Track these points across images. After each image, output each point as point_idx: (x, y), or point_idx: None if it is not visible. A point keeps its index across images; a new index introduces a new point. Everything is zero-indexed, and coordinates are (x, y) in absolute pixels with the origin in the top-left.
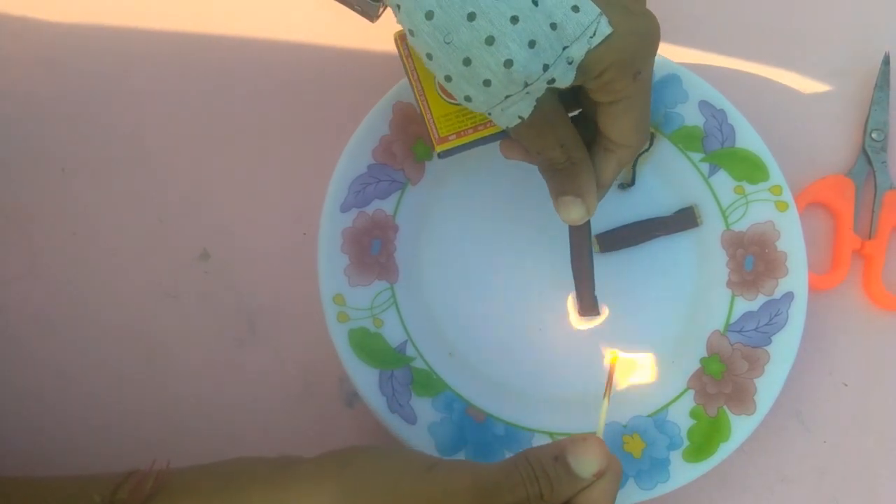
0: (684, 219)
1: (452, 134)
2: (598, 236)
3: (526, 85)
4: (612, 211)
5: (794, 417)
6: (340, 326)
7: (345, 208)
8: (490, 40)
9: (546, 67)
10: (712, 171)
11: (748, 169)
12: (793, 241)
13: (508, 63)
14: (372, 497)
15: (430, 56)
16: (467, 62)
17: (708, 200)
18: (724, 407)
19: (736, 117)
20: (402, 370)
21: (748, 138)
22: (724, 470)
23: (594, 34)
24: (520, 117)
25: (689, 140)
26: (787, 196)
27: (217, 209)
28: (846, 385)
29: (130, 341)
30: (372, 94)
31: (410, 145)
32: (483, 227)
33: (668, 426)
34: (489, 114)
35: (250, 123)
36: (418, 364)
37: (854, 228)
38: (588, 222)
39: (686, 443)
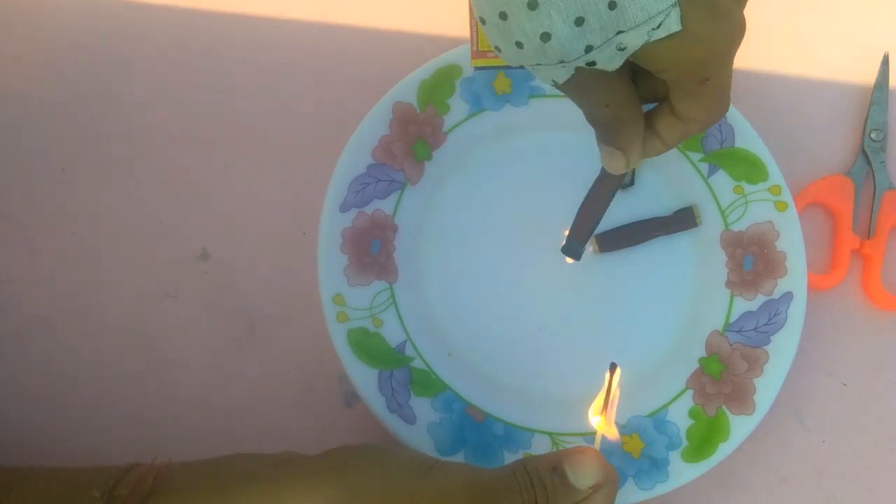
0: (683, 219)
1: (491, 52)
2: (598, 236)
3: (561, 62)
4: (612, 211)
5: (794, 417)
6: (340, 326)
7: (344, 208)
8: (533, 4)
9: (589, 49)
10: (711, 171)
11: (747, 169)
12: (792, 240)
13: (545, 36)
14: (369, 496)
15: None
16: (503, 16)
17: (707, 200)
18: (723, 407)
19: (735, 117)
20: (402, 370)
21: (747, 138)
22: (723, 470)
23: (658, 26)
24: (553, 81)
25: (688, 140)
26: (787, 196)
27: (217, 209)
28: (845, 385)
29: (130, 341)
30: (372, 94)
31: (410, 145)
32: (482, 227)
33: (667, 426)
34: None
35: (250, 123)
36: (417, 364)
37: (853, 228)
38: (621, 179)
39: (685, 443)
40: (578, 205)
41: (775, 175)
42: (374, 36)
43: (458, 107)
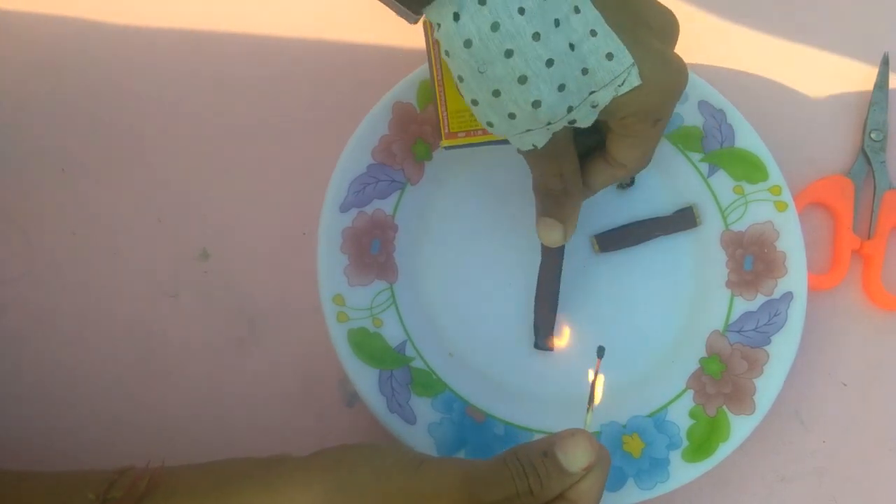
0: (683, 219)
1: (462, 132)
2: (598, 236)
3: (549, 124)
4: (612, 211)
5: (794, 417)
6: (340, 326)
7: (344, 208)
8: (523, 79)
9: (570, 109)
10: (711, 171)
11: (747, 169)
12: (792, 240)
13: (537, 104)
14: (362, 494)
15: (461, 79)
16: (496, 94)
17: (707, 200)
18: (724, 407)
19: (735, 117)
20: (402, 370)
21: (747, 138)
22: (723, 470)
23: (623, 83)
24: (534, 145)
25: (688, 140)
26: (787, 196)
27: (217, 209)
28: (845, 385)
29: (130, 341)
30: (372, 94)
31: (410, 145)
32: (482, 227)
33: (668, 426)
34: (506, 137)
35: (250, 123)
36: (418, 364)
37: (853, 228)
38: (562, 253)
39: (685, 443)
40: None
41: (775, 175)
42: (374, 36)
43: None
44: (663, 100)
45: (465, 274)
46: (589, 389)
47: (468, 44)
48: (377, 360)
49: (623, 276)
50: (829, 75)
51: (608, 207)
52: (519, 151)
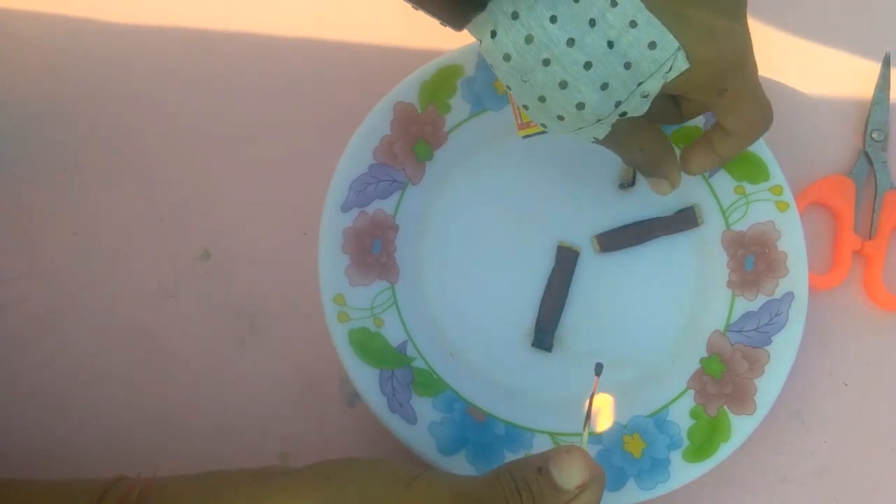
0: (685, 219)
1: (533, 122)
2: (598, 236)
3: (598, 121)
4: (613, 211)
5: (795, 417)
6: (341, 326)
7: (346, 208)
8: (563, 84)
9: (618, 104)
10: (713, 172)
11: (749, 169)
12: (793, 240)
13: (581, 105)
14: None
15: (509, 87)
16: (542, 99)
17: (708, 200)
18: (725, 407)
19: None
20: (403, 370)
21: None
22: (724, 470)
23: (670, 69)
24: (595, 138)
25: (689, 140)
26: (788, 196)
27: (218, 209)
28: (846, 385)
29: (131, 341)
30: (373, 93)
31: (411, 145)
32: (484, 227)
33: (669, 426)
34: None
35: (251, 123)
36: (419, 364)
37: (854, 228)
38: (575, 261)
39: (686, 443)
40: (577, 207)
41: (776, 175)
42: (375, 36)
43: (459, 107)
44: (719, 72)
45: (466, 274)
46: (586, 406)
47: (507, 58)
48: (378, 359)
49: (624, 275)
50: (830, 75)
51: (609, 207)
52: None
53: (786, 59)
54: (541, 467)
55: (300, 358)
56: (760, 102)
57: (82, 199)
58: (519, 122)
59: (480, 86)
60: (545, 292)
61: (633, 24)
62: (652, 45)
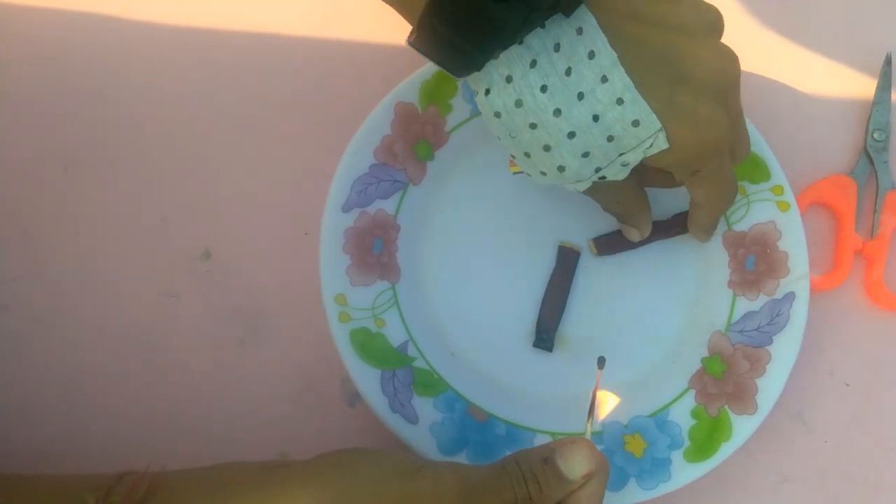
0: (682, 223)
1: None
2: (595, 240)
3: (578, 181)
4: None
5: (796, 417)
6: (342, 326)
7: (346, 208)
8: (547, 148)
9: (598, 170)
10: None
11: (749, 169)
12: (794, 241)
13: (561, 168)
14: (360, 497)
15: (499, 138)
16: (528, 155)
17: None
18: (726, 407)
19: None
20: (404, 370)
21: (750, 138)
22: (725, 470)
23: (650, 146)
24: (576, 188)
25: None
26: (789, 196)
27: (219, 209)
28: (848, 385)
29: (131, 341)
30: (374, 93)
31: (412, 145)
32: (485, 227)
33: (670, 426)
34: None
35: (252, 123)
36: (420, 364)
37: (856, 228)
38: (576, 262)
39: (687, 443)
40: (577, 207)
41: (777, 175)
42: (375, 36)
43: (460, 107)
44: (695, 156)
45: (467, 274)
46: (590, 399)
47: (497, 115)
48: (379, 360)
49: (625, 275)
50: (831, 75)
51: None
52: None
53: (787, 59)
54: (546, 458)
55: (301, 358)
56: (727, 184)
57: (84, 199)
58: (510, 159)
59: None
60: (546, 292)
61: (620, 101)
62: (636, 123)
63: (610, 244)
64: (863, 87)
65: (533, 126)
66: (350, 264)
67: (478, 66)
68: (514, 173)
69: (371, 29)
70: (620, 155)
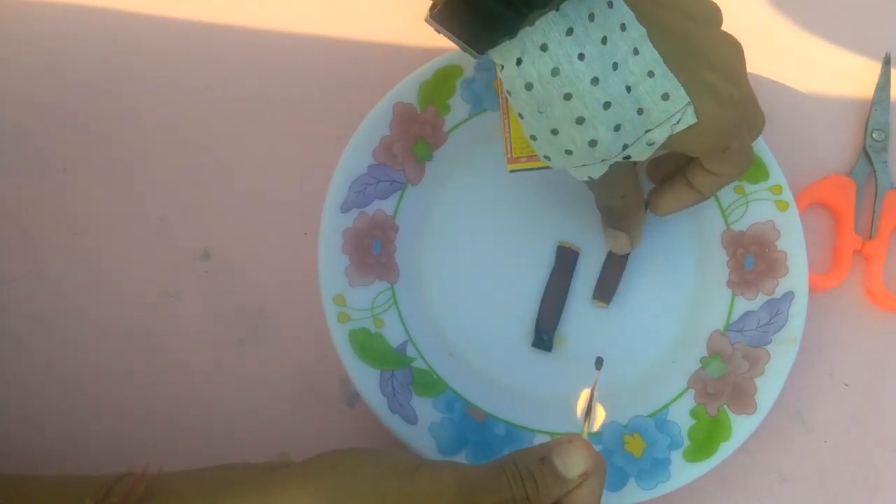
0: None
1: (524, 156)
2: (597, 291)
3: (604, 160)
4: None
5: (795, 417)
6: (341, 327)
7: (345, 208)
8: (580, 120)
9: (625, 147)
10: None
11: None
12: (793, 240)
13: (593, 143)
14: (359, 497)
15: (521, 116)
16: (555, 132)
17: (708, 200)
18: (725, 406)
19: None
20: (403, 370)
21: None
22: (724, 469)
23: (678, 122)
24: (590, 177)
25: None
26: (788, 195)
27: (218, 209)
28: (847, 385)
29: (131, 341)
30: (372, 94)
31: (411, 145)
32: (483, 227)
33: (669, 426)
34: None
35: (251, 123)
36: (419, 364)
37: (855, 228)
38: (575, 262)
39: (687, 442)
40: (576, 207)
41: (776, 174)
42: (374, 36)
43: (458, 107)
44: (722, 134)
45: (466, 274)
46: (587, 400)
47: (529, 86)
48: (378, 360)
49: (625, 275)
50: (830, 75)
51: None
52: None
53: (786, 58)
54: (544, 457)
55: (300, 358)
56: (749, 151)
57: (82, 199)
58: (509, 156)
59: (480, 86)
60: (545, 292)
61: (651, 74)
62: (665, 97)
63: (608, 284)
64: (862, 86)
65: (568, 97)
66: (349, 265)
67: (512, 33)
68: (512, 171)
69: (370, 29)
70: (647, 131)
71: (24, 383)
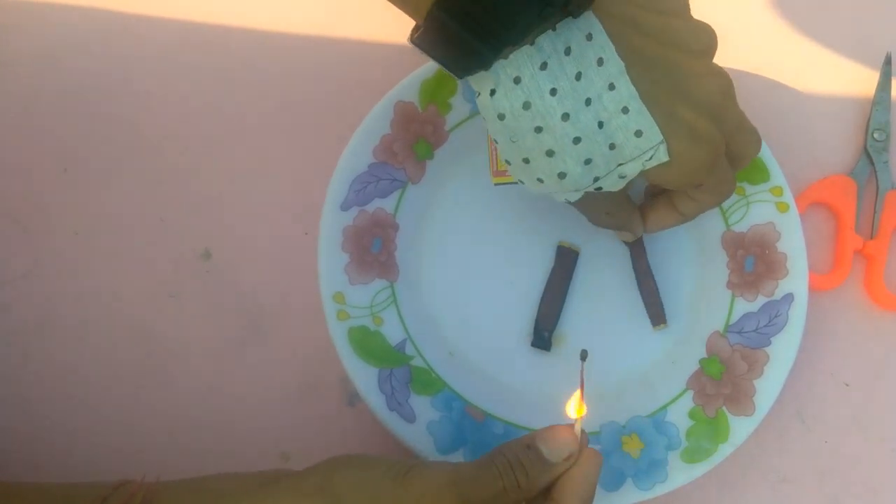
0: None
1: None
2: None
3: (576, 190)
4: None
5: (796, 417)
6: (340, 324)
7: (345, 207)
8: (550, 153)
9: (596, 179)
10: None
11: (749, 170)
12: (793, 242)
13: (562, 175)
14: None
15: (496, 141)
16: (526, 161)
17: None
18: (723, 408)
19: None
20: (402, 369)
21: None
22: (724, 470)
23: (650, 158)
24: (567, 200)
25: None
26: (788, 197)
27: (219, 208)
28: (847, 385)
29: (132, 341)
30: (373, 92)
31: (411, 144)
32: (483, 227)
33: (667, 427)
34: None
35: (252, 122)
36: (417, 363)
37: (856, 228)
38: (575, 262)
39: (684, 443)
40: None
41: (777, 176)
42: (375, 35)
43: (460, 106)
44: (694, 172)
45: (465, 273)
46: (576, 395)
47: (501, 117)
48: (377, 358)
49: (624, 275)
50: (831, 75)
51: None
52: None
53: (787, 58)
54: (529, 444)
55: (301, 358)
56: (728, 181)
57: (84, 199)
58: (494, 169)
59: None
60: (545, 292)
61: (626, 110)
62: (638, 134)
63: (654, 305)
64: (863, 86)
65: (539, 130)
66: (349, 262)
67: (486, 65)
68: (497, 184)
69: (371, 28)
70: (619, 165)
71: (25, 382)
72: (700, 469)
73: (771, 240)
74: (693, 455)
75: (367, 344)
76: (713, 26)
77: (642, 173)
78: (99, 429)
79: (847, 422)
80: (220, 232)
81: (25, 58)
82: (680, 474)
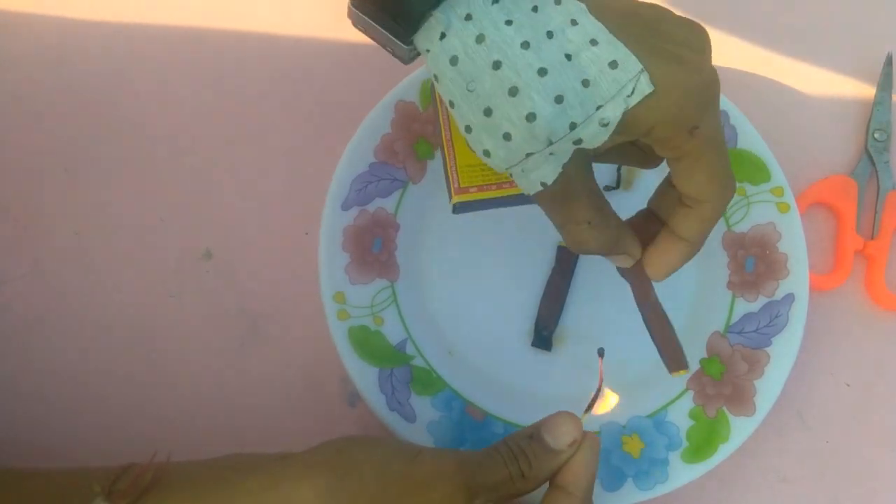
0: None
1: (473, 186)
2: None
3: (550, 143)
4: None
5: (796, 417)
6: (341, 324)
7: (346, 206)
8: (514, 91)
9: (573, 126)
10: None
11: (750, 170)
12: (794, 242)
13: (531, 116)
14: (362, 481)
15: (452, 104)
16: (488, 112)
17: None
18: (724, 408)
19: (738, 118)
20: (402, 368)
21: (750, 139)
22: (725, 470)
23: (632, 92)
24: (542, 183)
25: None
26: (789, 197)
27: (219, 208)
28: (848, 385)
29: (132, 341)
30: (374, 92)
31: (412, 144)
32: (484, 226)
33: (668, 427)
34: (510, 174)
35: (252, 122)
36: (418, 362)
37: (857, 229)
38: (576, 261)
39: (685, 443)
40: None
41: (777, 176)
42: None
43: None
44: (688, 102)
45: (466, 273)
46: (595, 391)
47: (454, 61)
48: (377, 358)
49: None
50: (831, 76)
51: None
52: (533, 198)
53: (787, 58)
54: (532, 434)
55: (301, 357)
56: (727, 163)
57: (84, 199)
58: (456, 185)
59: None
60: (545, 291)
61: (594, 42)
62: (613, 65)
63: (670, 349)
64: (863, 87)
65: (497, 65)
66: (349, 262)
67: (435, 4)
68: (455, 204)
69: None
70: (598, 108)
71: (25, 382)
72: (700, 469)
73: (772, 240)
74: (693, 455)
75: (368, 344)
76: (713, 28)
77: (627, 118)
78: (99, 429)
79: (848, 422)
80: (221, 232)
81: (26, 58)
82: (680, 474)
